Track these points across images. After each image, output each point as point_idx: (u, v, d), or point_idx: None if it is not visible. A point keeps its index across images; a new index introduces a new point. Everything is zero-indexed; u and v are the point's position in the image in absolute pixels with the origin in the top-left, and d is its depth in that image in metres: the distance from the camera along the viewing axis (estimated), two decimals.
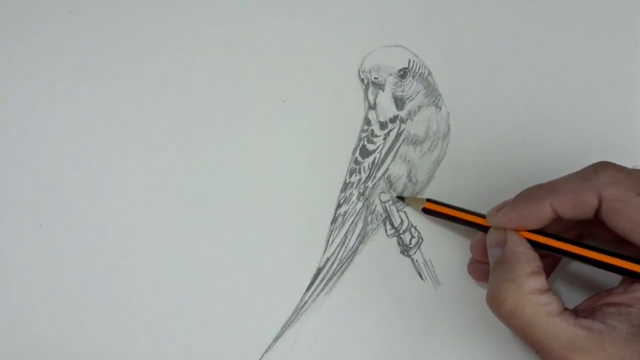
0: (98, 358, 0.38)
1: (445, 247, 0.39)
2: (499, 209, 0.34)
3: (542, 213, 0.32)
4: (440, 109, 0.40)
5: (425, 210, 0.38)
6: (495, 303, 0.31)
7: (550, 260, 0.36)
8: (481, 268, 0.36)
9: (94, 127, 0.40)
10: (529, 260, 0.32)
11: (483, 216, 0.35)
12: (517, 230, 0.33)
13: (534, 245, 0.33)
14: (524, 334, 0.30)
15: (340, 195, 0.40)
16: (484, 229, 0.35)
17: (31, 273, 0.39)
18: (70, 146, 0.40)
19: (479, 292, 0.38)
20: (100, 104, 0.41)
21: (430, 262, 0.39)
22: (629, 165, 0.32)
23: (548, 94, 0.41)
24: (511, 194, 0.37)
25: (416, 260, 0.39)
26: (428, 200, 0.38)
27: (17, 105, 0.41)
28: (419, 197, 0.39)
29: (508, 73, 0.41)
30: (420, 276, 0.39)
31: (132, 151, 0.40)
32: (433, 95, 0.40)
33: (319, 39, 0.41)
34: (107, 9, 0.42)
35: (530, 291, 0.30)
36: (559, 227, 0.34)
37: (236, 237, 0.39)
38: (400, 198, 0.39)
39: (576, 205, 0.31)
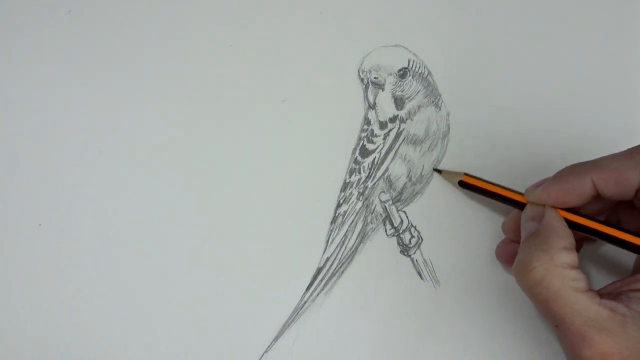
0: (98, 358, 0.38)
1: (445, 247, 0.39)
2: (537, 185, 0.34)
3: (583, 189, 0.32)
4: (440, 109, 0.40)
5: (462, 184, 0.38)
6: (523, 271, 0.31)
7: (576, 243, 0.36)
8: (510, 249, 0.36)
9: (94, 127, 0.40)
10: (565, 236, 0.32)
11: (520, 193, 0.35)
12: (555, 208, 0.33)
13: (570, 225, 0.33)
14: (546, 305, 0.30)
15: (340, 195, 0.40)
16: (521, 206, 0.35)
17: (31, 273, 0.39)
18: (70, 146, 0.40)
19: (479, 292, 0.38)
20: (100, 104, 0.41)
21: (430, 262, 0.39)
22: None
23: (548, 94, 0.41)
24: None
25: (416, 260, 0.39)
26: (466, 174, 0.38)
27: (17, 105, 0.41)
28: (455, 170, 0.39)
29: (508, 73, 0.41)
30: (420, 276, 0.39)
31: (132, 151, 0.40)
32: (433, 95, 0.40)
33: (319, 39, 0.41)
34: (107, 9, 0.42)
35: (562, 264, 0.30)
36: (593, 211, 0.34)
37: (236, 237, 0.39)
38: (437, 171, 0.39)
39: (618, 183, 0.31)
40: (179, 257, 0.39)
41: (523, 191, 0.35)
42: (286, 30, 0.42)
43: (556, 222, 0.32)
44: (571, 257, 0.31)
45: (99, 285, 0.39)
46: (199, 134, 0.40)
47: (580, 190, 0.32)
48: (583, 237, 0.35)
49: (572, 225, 0.33)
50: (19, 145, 0.40)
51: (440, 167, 0.40)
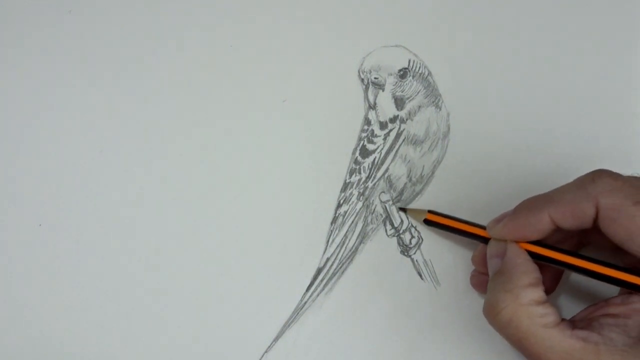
0: (98, 358, 0.38)
1: (445, 247, 0.39)
2: (498, 220, 0.34)
3: (541, 224, 0.32)
4: (440, 109, 0.40)
5: (427, 222, 0.38)
6: (492, 313, 0.31)
7: (554, 272, 0.36)
8: (483, 280, 0.36)
9: (94, 127, 0.40)
10: (528, 272, 0.31)
11: (484, 227, 0.35)
12: (517, 242, 0.33)
13: (534, 256, 0.33)
14: (520, 344, 0.30)
15: (340, 195, 0.40)
16: (485, 240, 0.35)
17: (31, 273, 0.39)
18: (71, 146, 0.40)
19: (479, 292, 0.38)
20: (100, 104, 0.41)
21: (430, 262, 0.39)
22: (630, 171, 0.32)
23: (548, 94, 0.41)
24: (511, 194, 0.38)
25: (416, 260, 0.39)
26: (430, 211, 0.38)
27: (17, 105, 0.41)
28: (419, 208, 0.39)
29: (508, 73, 0.41)
30: (420, 276, 0.39)
31: (132, 151, 0.40)
32: (433, 95, 0.40)
33: (319, 39, 0.41)
34: (107, 9, 0.42)
35: (528, 302, 0.30)
36: (559, 237, 0.34)
37: (236, 237, 0.39)
38: (402, 210, 0.39)
39: (574, 215, 0.31)
40: (179, 257, 0.39)
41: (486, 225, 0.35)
42: (286, 30, 0.42)
43: (518, 257, 0.32)
44: (537, 293, 0.31)
45: (99, 285, 0.39)
46: (199, 134, 0.40)
47: (539, 226, 0.32)
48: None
49: (536, 256, 0.33)
50: (19, 145, 0.40)
51: (436, 172, 0.39)
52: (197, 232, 0.39)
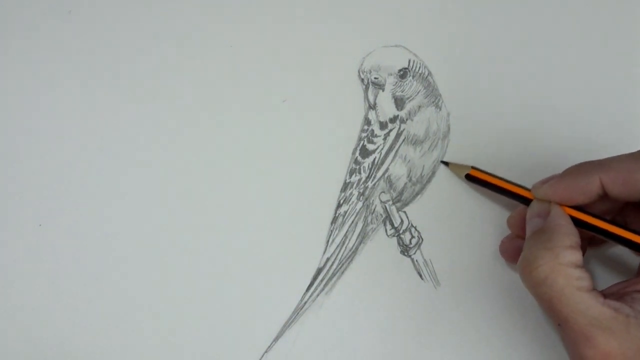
0: (98, 358, 0.38)
1: (445, 247, 0.39)
2: (545, 181, 0.34)
3: (590, 187, 0.32)
4: (440, 109, 0.40)
5: (469, 177, 0.38)
6: (527, 269, 0.31)
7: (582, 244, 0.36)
8: (515, 245, 0.36)
9: (94, 127, 0.40)
10: (570, 234, 0.32)
11: (527, 188, 0.35)
12: (561, 205, 0.33)
13: (576, 223, 0.33)
14: (550, 304, 0.30)
15: (340, 195, 0.40)
16: (526, 202, 0.35)
17: (31, 273, 0.39)
18: (71, 146, 0.40)
19: (479, 292, 0.38)
20: (100, 104, 0.41)
21: (430, 262, 0.39)
22: None
23: (548, 94, 0.41)
24: None
25: (416, 260, 0.39)
26: (473, 167, 0.38)
27: (17, 105, 0.41)
28: (463, 163, 0.39)
29: (508, 73, 0.41)
30: (420, 276, 0.39)
31: (132, 151, 0.40)
32: (433, 95, 0.40)
33: (319, 39, 0.41)
34: (107, 9, 0.42)
35: (566, 263, 0.30)
36: (602, 209, 0.34)
37: (236, 237, 0.39)
38: (445, 163, 0.39)
39: (626, 183, 0.31)
40: (179, 257, 0.39)
41: (529, 187, 0.35)
42: (286, 30, 0.42)
43: (561, 219, 0.32)
44: (576, 256, 0.31)
45: (99, 285, 0.39)
46: (199, 134, 0.40)
47: (587, 189, 0.32)
48: (589, 237, 0.35)
49: (578, 223, 0.33)
50: (19, 145, 0.40)
51: (436, 172, 0.40)
52: (197, 232, 0.39)
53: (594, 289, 0.30)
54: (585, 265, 0.31)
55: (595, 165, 0.32)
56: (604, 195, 0.32)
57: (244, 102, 0.41)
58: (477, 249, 0.38)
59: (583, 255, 0.36)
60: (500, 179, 0.37)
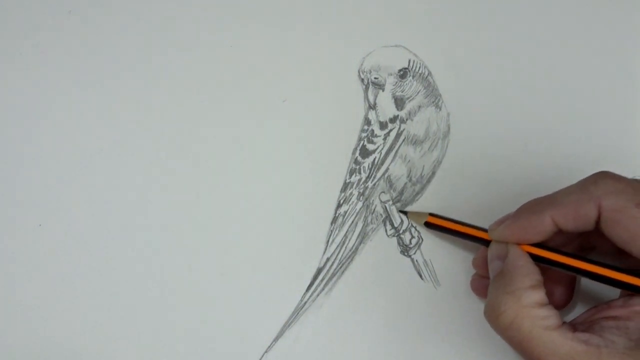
0: (98, 358, 0.38)
1: (445, 247, 0.39)
2: (500, 222, 0.34)
3: (542, 226, 0.32)
4: (440, 109, 0.40)
5: (428, 225, 0.38)
6: (493, 315, 0.31)
7: (567, 284, 0.35)
8: (484, 284, 0.36)
9: (94, 127, 0.40)
10: (529, 274, 0.31)
11: (484, 230, 0.35)
12: (518, 244, 0.33)
13: (536, 259, 0.32)
14: (521, 347, 0.30)
15: (340, 195, 0.40)
16: (486, 243, 0.35)
17: (31, 273, 0.39)
18: (71, 146, 0.40)
19: None
20: (100, 104, 0.41)
21: (430, 262, 0.39)
22: (630, 174, 0.32)
23: (548, 94, 0.41)
24: (511, 194, 0.38)
25: (416, 260, 0.39)
26: (431, 214, 0.38)
27: (17, 105, 0.41)
28: (420, 211, 0.39)
29: (508, 73, 0.41)
30: (420, 276, 0.39)
31: (132, 151, 0.40)
32: (433, 95, 0.40)
33: (318, 39, 0.41)
34: (107, 9, 0.42)
35: (529, 304, 0.30)
36: (561, 240, 0.34)
37: (236, 237, 0.39)
38: (403, 212, 0.39)
39: (576, 217, 0.31)
40: (179, 257, 0.39)
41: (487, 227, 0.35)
42: (286, 30, 0.42)
43: (519, 260, 0.32)
44: (538, 295, 0.31)
45: (99, 285, 0.39)
46: (199, 134, 0.40)
47: (541, 228, 0.32)
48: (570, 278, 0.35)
49: (538, 259, 0.32)
50: (19, 145, 0.40)
51: (436, 172, 0.40)
52: (197, 232, 0.39)
53: (561, 324, 0.30)
54: (549, 303, 0.31)
55: (544, 203, 0.32)
56: (559, 231, 0.32)
57: (244, 102, 0.41)
58: (477, 249, 0.38)
59: (571, 297, 0.36)
60: (459, 222, 0.36)
